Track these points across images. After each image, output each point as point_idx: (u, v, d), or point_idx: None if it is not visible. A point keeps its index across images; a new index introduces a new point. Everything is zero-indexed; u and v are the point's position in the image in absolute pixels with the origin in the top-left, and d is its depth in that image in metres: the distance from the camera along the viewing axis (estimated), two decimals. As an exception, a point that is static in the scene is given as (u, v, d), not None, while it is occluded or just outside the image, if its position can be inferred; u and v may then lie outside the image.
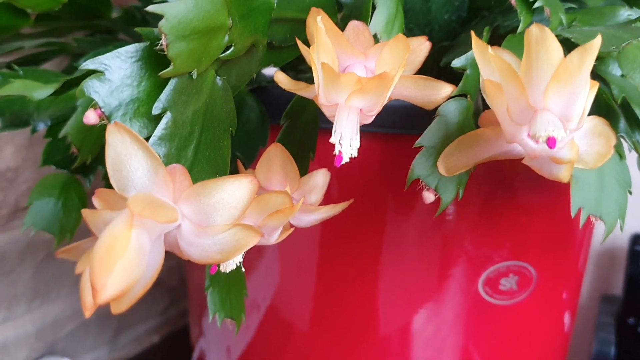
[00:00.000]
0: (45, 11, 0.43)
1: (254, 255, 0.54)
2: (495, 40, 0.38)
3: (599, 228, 0.56)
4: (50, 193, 0.42)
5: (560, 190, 0.49)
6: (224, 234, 0.27)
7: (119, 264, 0.22)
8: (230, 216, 0.27)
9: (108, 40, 0.53)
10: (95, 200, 0.27)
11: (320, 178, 0.38)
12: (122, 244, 0.22)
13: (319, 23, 0.29)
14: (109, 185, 0.44)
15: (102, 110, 0.28)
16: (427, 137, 0.32)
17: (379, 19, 0.34)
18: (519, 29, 0.35)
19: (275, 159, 0.36)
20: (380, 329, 0.51)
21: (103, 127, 0.42)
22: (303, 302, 0.52)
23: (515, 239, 0.49)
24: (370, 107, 0.29)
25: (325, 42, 0.29)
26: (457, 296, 0.49)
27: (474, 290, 0.49)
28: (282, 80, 0.34)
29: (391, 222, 0.47)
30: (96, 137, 0.42)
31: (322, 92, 0.29)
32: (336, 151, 0.28)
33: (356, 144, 0.28)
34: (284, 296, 0.52)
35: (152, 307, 0.87)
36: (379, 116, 0.33)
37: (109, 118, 0.28)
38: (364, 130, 0.42)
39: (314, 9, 0.32)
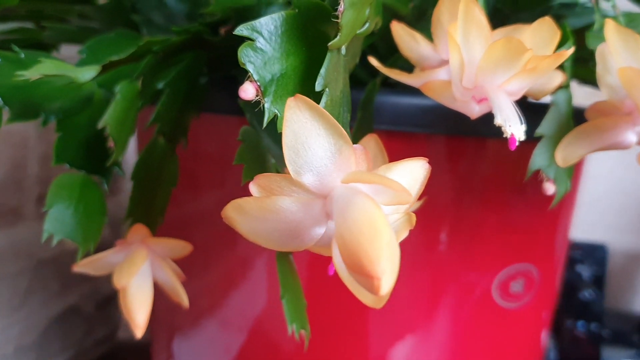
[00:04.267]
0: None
1: (237, 273, 0.50)
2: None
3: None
4: (70, 196, 0.35)
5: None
6: (396, 223, 0.25)
7: (386, 245, 0.18)
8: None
9: (87, 29, 0.47)
10: (253, 187, 0.23)
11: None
12: (382, 223, 0.19)
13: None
14: (136, 193, 0.38)
15: (258, 83, 0.24)
16: (546, 127, 0.31)
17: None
18: (596, 27, 0.36)
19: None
20: (376, 342, 0.49)
21: (133, 121, 0.38)
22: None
23: (523, 241, 0.49)
24: (520, 91, 0.28)
25: (479, 19, 0.27)
26: (470, 300, 0.49)
27: (486, 294, 0.49)
28: (379, 65, 0.32)
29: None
30: (128, 132, 0.36)
31: (473, 73, 0.27)
32: (507, 134, 0.26)
33: (524, 126, 0.27)
34: (268, 319, 0.49)
35: (68, 337, 0.78)
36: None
37: (264, 93, 0.24)
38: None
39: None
